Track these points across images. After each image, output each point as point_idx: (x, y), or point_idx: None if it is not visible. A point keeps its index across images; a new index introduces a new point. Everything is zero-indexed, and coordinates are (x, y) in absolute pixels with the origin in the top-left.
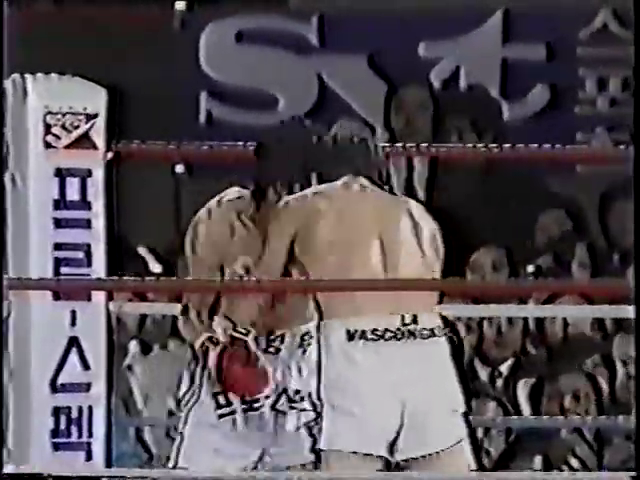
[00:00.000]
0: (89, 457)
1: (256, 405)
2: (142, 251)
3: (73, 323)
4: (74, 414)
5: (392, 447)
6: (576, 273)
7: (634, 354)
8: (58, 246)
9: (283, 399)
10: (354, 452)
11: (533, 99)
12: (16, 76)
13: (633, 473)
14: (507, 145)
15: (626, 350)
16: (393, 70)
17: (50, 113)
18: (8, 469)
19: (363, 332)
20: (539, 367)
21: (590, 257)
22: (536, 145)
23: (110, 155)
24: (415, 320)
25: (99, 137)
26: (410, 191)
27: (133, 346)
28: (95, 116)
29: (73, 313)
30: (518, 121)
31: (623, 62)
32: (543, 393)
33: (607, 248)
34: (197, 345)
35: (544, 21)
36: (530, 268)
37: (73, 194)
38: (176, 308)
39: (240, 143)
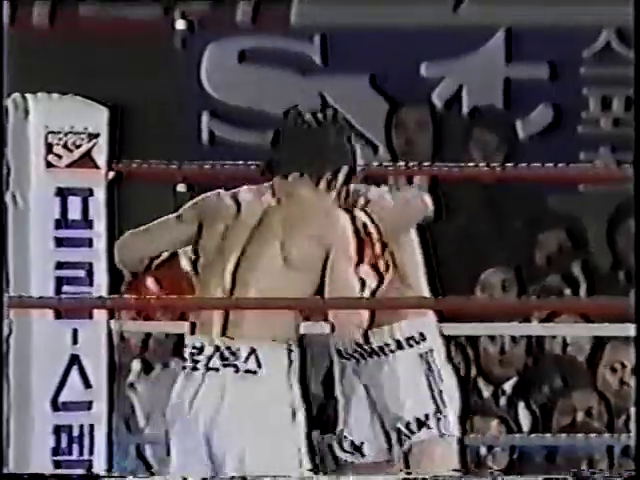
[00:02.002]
0: None
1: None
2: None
3: (74, 341)
4: (75, 432)
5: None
6: (582, 291)
7: (634, 365)
8: (59, 265)
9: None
10: None
11: (536, 118)
12: (17, 95)
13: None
14: (510, 165)
15: (616, 357)
16: (395, 90)
17: (51, 132)
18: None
19: None
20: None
21: (593, 275)
22: (539, 164)
23: (112, 174)
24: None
25: (101, 156)
26: None
27: (136, 365)
28: (97, 135)
29: (74, 331)
30: (522, 141)
31: (627, 81)
32: (554, 410)
33: (611, 267)
34: None
35: (547, 40)
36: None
37: (75, 213)
38: (180, 327)
39: (242, 162)
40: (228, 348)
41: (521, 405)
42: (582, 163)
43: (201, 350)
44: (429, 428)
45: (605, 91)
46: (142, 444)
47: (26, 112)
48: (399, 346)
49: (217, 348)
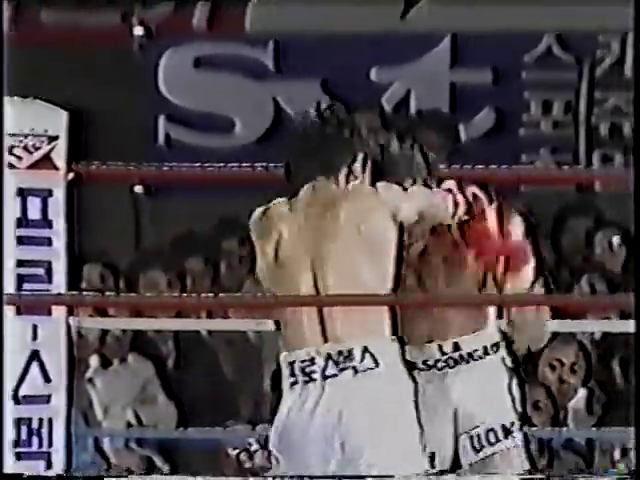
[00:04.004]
0: (49, 466)
1: None
2: None
3: (34, 337)
4: (35, 425)
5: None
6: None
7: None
8: (20, 263)
9: None
10: None
11: (480, 122)
12: None
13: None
14: (456, 166)
15: (554, 355)
16: (346, 94)
17: (12, 135)
18: None
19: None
20: None
21: (538, 272)
22: (483, 166)
23: (71, 176)
24: (457, 347)
25: (60, 158)
26: None
27: (94, 360)
28: (56, 138)
29: (34, 327)
30: (466, 143)
31: (566, 85)
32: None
33: (556, 264)
34: None
35: (490, 46)
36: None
37: (34, 213)
38: (136, 323)
39: (198, 164)
40: (339, 352)
41: None
42: (523, 165)
43: (312, 361)
44: (514, 437)
45: (546, 95)
46: (100, 437)
47: None
48: (485, 351)
49: (329, 355)
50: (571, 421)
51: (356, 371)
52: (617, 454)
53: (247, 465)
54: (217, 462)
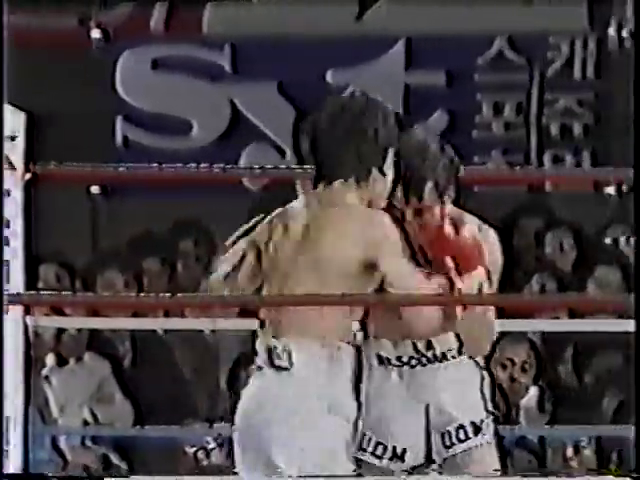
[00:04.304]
0: (6, 464)
1: None
2: None
3: None
4: None
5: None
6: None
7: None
8: None
9: None
10: None
11: (434, 123)
12: None
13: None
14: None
15: (505, 354)
16: (302, 96)
17: None
18: None
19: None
20: None
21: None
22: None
23: (28, 176)
24: (430, 346)
25: (18, 159)
26: None
27: (50, 359)
28: (14, 139)
29: None
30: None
31: (518, 87)
32: None
33: (506, 264)
34: None
35: (444, 49)
36: None
37: None
38: (92, 322)
39: (155, 165)
40: (275, 347)
41: None
42: (476, 165)
43: (256, 353)
44: (484, 434)
45: (497, 97)
46: (57, 435)
47: None
48: (459, 351)
49: (268, 348)
50: (523, 419)
51: (276, 368)
52: (570, 452)
53: (204, 463)
54: (174, 460)
